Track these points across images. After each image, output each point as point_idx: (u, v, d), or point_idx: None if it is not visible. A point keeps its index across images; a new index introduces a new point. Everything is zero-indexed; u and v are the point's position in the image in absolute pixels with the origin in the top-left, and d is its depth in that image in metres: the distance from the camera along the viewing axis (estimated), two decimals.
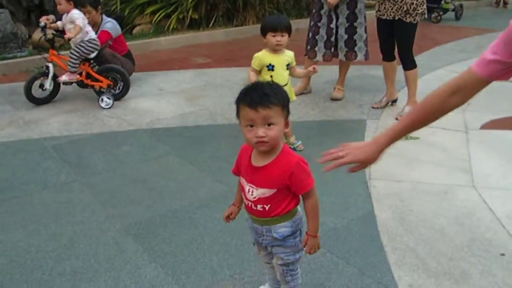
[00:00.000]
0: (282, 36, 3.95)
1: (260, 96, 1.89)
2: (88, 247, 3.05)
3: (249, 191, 2.07)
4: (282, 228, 2.10)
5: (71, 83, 5.74)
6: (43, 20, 5.62)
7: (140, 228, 3.24)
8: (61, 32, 5.65)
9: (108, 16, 6.53)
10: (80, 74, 5.69)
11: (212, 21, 9.59)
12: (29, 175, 4.05)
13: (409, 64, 5.11)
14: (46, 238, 3.17)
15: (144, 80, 6.56)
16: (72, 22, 5.43)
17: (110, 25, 6.28)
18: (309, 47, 5.63)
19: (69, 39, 5.46)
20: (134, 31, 9.40)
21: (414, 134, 4.58)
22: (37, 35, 8.54)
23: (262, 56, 4.03)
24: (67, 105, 5.73)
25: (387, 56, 5.31)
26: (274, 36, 3.94)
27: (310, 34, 5.61)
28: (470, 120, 4.99)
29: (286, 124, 1.98)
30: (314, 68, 4.14)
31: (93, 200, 3.61)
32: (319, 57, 5.58)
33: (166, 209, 3.46)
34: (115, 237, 3.15)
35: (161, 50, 8.65)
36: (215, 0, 9.40)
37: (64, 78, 5.61)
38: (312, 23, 5.61)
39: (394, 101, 5.47)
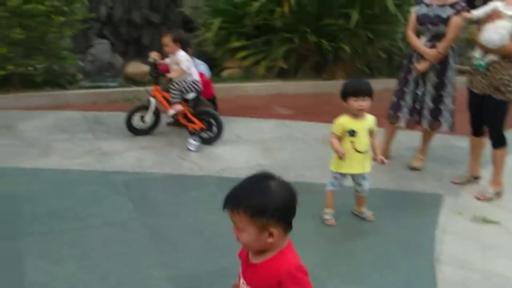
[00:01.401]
0: (364, 101, 3.83)
1: (229, 196, 1.79)
2: None
3: (241, 286, 1.90)
4: None
5: (176, 114, 5.77)
6: (152, 56, 5.80)
7: (186, 282, 3.17)
8: (159, 70, 5.84)
9: (198, 57, 6.68)
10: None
11: (301, 72, 9.59)
12: (94, 208, 4.11)
13: (497, 142, 4.80)
14: (96, 276, 3.17)
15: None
16: (177, 64, 5.59)
17: (204, 68, 6.42)
18: (392, 112, 5.44)
19: (170, 79, 5.61)
20: (223, 73, 9.56)
21: (495, 217, 4.30)
22: (131, 68, 8.89)
23: (344, 122, 3.91)
24: (144, 141, 5.83)
25: (476, 132, 5.02)
26: (355, 101, 3.82)
27: (395, 99, 5.44)
28: None
29: (270, 235, 1.73)
30: (383, 162, 4.02)
31: (148, 243, 3.59)
32: (402, 123, 5.38)
33: (215, 265, 3.36)
34: (160, 286, 3.09)
35: (246, 96, 8.70)
36: (306, 51, 9.42)
37: (171, 111, 5.72)
38: (398, 88, 5.44)
39: (477, 178, 5.16)
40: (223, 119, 6.38)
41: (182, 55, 5.61)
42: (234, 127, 6.63)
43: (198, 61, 6.44)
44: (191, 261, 3.40)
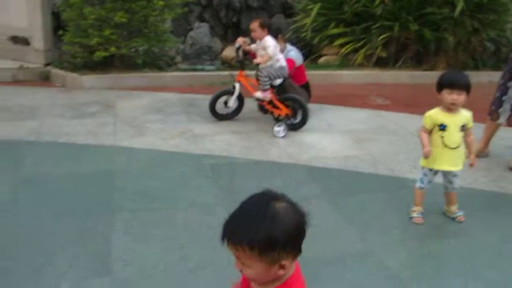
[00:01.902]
0: (458, 94, 3.60)
1: (228, 227, 1.51)
2: (210, 277, 3.02)
3: None
4: None
5: (263, 99, 5.78)
6: (239, 42, 5.86)
7: None
8: (249, 55, 5.86)
9: (295, 43, 6.61)
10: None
11: (400, 62, 9.27)
12: (181, 190, 4.19)
13: None
14: (176, 257, 3.22)
15: (316, 113, 6.43)
16: (264, 49, 5.58)
17: (294, 54, 6.33)
18: (493, 108, 5.10)
19: (257, 64, 5.61)
20: (320, 60, 9.43)
21: None
22: (228, 51, 8.99)
23: (435, 115, 3.71)
24: (235, 125, 5.87)
25: None
26: (450, 94, 3.60)
27: (497, 94, 5.09)
28: None
29: (281, 267, 1.50)
30: (472, 164, 3.78)
31: None
32: (502, 120, 5.03)
33: None
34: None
35: (342, 84, 8.54)
36: (406, 40, 9.09)
37: (258, 94, 5.74)
38: (501, 82, 5.08)
39: None
40: (316, 106, 6.30)
41: (268, 40, 5.59)
42: (328, 115, 6.51)
43: (289, 47, 6.38)
44: None
